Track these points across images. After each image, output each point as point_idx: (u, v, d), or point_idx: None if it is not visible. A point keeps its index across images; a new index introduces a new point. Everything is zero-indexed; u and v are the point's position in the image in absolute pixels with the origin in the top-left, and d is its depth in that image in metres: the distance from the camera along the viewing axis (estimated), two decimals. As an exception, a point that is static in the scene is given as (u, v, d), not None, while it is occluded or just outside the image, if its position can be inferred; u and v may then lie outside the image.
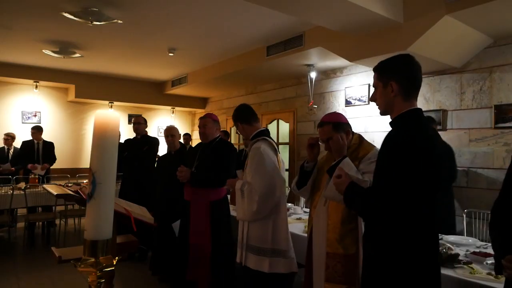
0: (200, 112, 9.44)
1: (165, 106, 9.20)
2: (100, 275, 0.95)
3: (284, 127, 7.04)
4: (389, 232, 1.55)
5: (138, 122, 4.95)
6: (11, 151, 6.27)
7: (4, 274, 4.14)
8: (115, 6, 4.06)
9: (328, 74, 6.08)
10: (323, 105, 6.12)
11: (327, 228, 2.16)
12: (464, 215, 3.56)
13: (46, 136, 6.45)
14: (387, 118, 1.68)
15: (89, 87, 7.74)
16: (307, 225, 2.50)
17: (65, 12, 4.08)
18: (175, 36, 5.13)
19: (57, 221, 5.85)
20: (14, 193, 5.07)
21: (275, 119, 7.21)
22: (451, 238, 2.82)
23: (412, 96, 1.60)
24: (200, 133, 3.33)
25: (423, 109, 1.70)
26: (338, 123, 2.19)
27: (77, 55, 5.77)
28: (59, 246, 3.62)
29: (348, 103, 5.70)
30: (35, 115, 7.64)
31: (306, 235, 2.55)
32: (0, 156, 6.14)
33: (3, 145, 6.26)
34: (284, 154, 6.73)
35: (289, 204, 4.26)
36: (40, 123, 7.41)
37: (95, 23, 4.21)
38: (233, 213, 3.15)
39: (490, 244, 2.66)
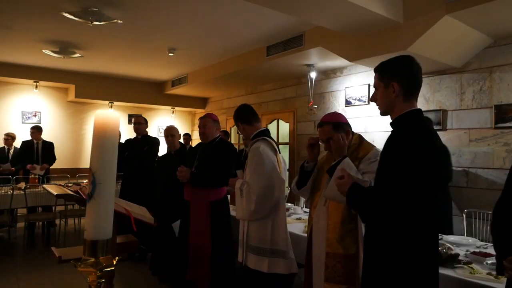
0: (200, 112, 9.44)
1: (165, 106, 9.20)
2: (100, 275, 0.95)
3: (284, 127, 7.04)
4: (389, 232, 1.55)
5: (139, 122, 4.95)
6: (11, 151, 6.27)
7: (4, 274, 4.14)
8: (115, 6, 4.06)
9: (328, 74, 6.08)
10: (323, 105, 6.12)
11: (327, 228, 2.16)
12: (464, 215, 3.56)
13: (46, 136, 6.45)
14: (387, 118, 1.68)
15: (89, 87, 7.74)
16: (307, 225, 2.50)
17: (65, 12, 4.08)
18: (175, 36, 5.13)
19: (57, 221, 5.85)
20: (14, 193, 5.07)
21: (275, 119, 7.21)
22: (451, 238, 2.82)
23: (413, 97, 1.61)
24: (200, 133, 3.33)
25: (423, 109, 1.71)
26: (338, 123, 2.19)
27: (77, 55, 5.77)
28: (59, 246, 3.63)
29: (348, 103, 5.70)
30: (35, 115, 7.64)
31: (306, 235, 2.55)
32: (0, 156, 6.14)
33: (3, 145, 6.27)
34: (284, 154, 6.72)
35: (289, 204, 4.27)
36: (40, 123, 7.41)
37: (95, 23, 4.21)
38: (233, 213, 3.15)
39: (490, 244, 2.67)
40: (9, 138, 6.26)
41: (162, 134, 5.13)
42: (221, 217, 3.20)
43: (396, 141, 1.57)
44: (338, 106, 5.86)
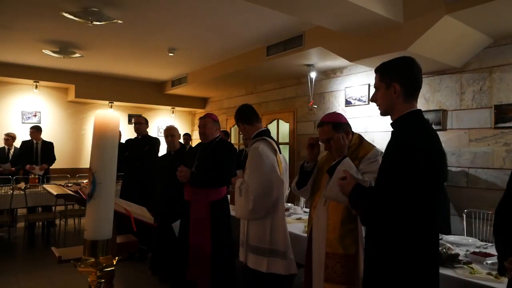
0: (200, 112, 9.44)
1: (165, 106, 9.20)
2: (100, 275, 0.95)
3: (284, 127, 7.04)
4: (390, 233, 1.56)
5: (139, 122, 4.94)
6: (12, 151, 6.27)
7: (4, 274, 4.14)
8: (115, 6, 4.06)
9: (328, 74, 6.08)
10: (323, 105, 6.12)
11: (327, 228, 2.16)
12: (464, 215, 3.56)
13: (46, 136, 6.45)
14: (387, 118, 1.70)
15: (89, 87, 7.74)
16: (307, 225, 2.50)
17: (65, 12, 4.08)
18: (175, 36, 5.13)
19: (57, 221, 5.85)
20: (14, 193, 5.07)
21: (275, 119, 7.21)
22: (451, 238, 2.82)
23: (413, 98, 1.62)
24: (200, 133, 3.33)
25: (423, 109, 1.72)
26: (338, 123, 2.19)
27: (77, 55, 5.77)
28: (59, 246, 3.63)
29: (348, 103, 5.70)
30: (35, 115, 7.64)
31: (306, 235, 2.55)
32: (1, 156, 6.14)
33: (4, 145, 6.27)
34: (284, 154, 6.72)
35: (289, 204, 4.27)
36: (40, 123, 7.41)
37: (95, 23, 4.21)
38: (233, 213, 3.15)
39: (490, 244, 2.67)
40: (9, 138, 6.26)
41: (162, 134, 5.14)
42: (221, 217, 3.20)
43: (397, 142, 1.58)
44: (338, 106, 5.86)
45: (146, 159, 4.76)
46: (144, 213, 1.97)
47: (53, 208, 5.41)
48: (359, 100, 5.52)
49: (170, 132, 4.09)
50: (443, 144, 1.60)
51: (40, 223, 5.98)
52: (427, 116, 4.44)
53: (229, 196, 3.63)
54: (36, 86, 7.48)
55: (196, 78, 7.31)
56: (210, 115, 3.37)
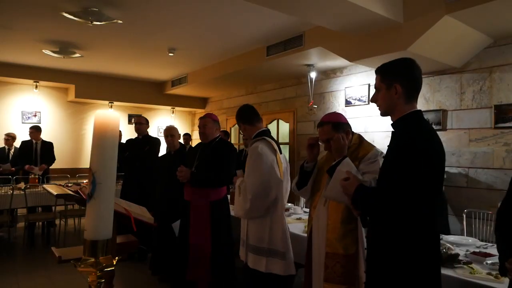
0: (200, 112, 9.44)
1: (165, 106, 9.20)
2: (100, 275, 0.95)
3: (284, 127, 7.04)
4: (392, 233, 1.56)
5: (140, 122, 4.94)
6: (12, 151, 6.27)
7: (4, 274, 4.14)
8: (115, 6, 4.06)
9: (328, 74, 6.08)
10: (323, 105, 6.12)
11: (327, 228, 2.16)
12: (464, 215, 3.56)
13: (46, 136, 6.45)
14: (387, 119, 1.71)
15: (89, 87, 7.74)
16: (307, 225, 2.50)
17: (65, 12, 4.08)
18: (175, 36, 5.13)
19: (57, 221, 5.85)
20: (14, 193, 5.07)
21: (275, 119, 7.21)
22: (451, 238, 2.82)
23: (413, 99, 1.64)
24: (200, 133, 3.33)
25: (423, 109, 1.73)
26: (338, 123, 2.19)
27: (77, 55, 5.77)
28: (59, 246, 3.63)
29: (348, 103, 5.70)
30: (35, 115, 7.64)
31: (306, 235, 2.55)
32: (1, 156, 6.14)
33: (4, 146, 6.27)
34: (284, 154, 6.73)
35: (289, 204, 4.26)
36: (40, 123, 7.41)
37: (95, 23, 4.21)
38: (233, 212, 3.15)
39: (490, 244, 2.67)
40: (10, 138, 6.26)
41: (162, 134, 5.14)
42: (221, 217, 3.20)
43: (398, 142, 1.59)
44: (338, 106, 5.86)
45: (147, 159, 4.76)
46: (144, 213, 1.97)
47: (53, 208, 5.41)
48: (359, 100, 5.52)
49: (170, 132, 4.09)
50: (443, 144, 1.61)
51: (40, 223, 5.98)
52: (427, 116, 4.45)
53: (229, 196, 3.63)
54: (36, 86, 7.48)
55: (196, 78, 7.31)
56: (210, 115, 3.37)
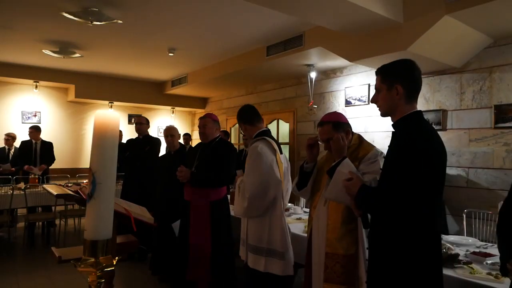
0: (200, 112, 9.43)
1: (165, 106, 9.20)
2: (100, 275, 0.95)
3: (284, 127, 7.04)
4: (393, 233, 1.57)
5: (140, 122, 4.94)
6: (12, 151, 6.26)
7: (4, 274, 4.15)
8: (115, 6, 4.06)
9: (328, 74, 6.08)
10: (323, 105, 6.12)
11: (327, 228, 2.16)
12: (464, 215, 3.56)
13: (46, 136, 6.45)
14: (387, 119, 1.72)
15: (89, 87, 7.73)
16: (307, 225, 2.50)
17: (65, 12, 4.08)
18: (175, 36, 5.13)
19: (57, 221, 5.85)
20: (14, 193, 5.07)
21: (275, 119, 7.21)
22: (451, 238, 2.82)
23: (414, 99, 1.65)
24: (200, 133, 3.33)
25: (423, 109, 1.75)
26: (338, 123, 2.19)
27: (77, 55, 5.77)
28: (59, 246, 3.63)
29: (348, 103, 5.70)
30: (35, 115, 7.64)
31: (306, 235, 2.56)
32: (1, 156, 6.14)
33: (4, 146, 6.26)
34: (284, 154, 6.73)
35: (289, 204, 4.26)
36: (40, 123, 7.41)
37: (95, 23, 4.21)
38: (233, 212, 3.16)
39: (490, 244, 2.67)
40: (10, 138, 6.25)
41: (162, 134, 5.14)
42: (221, 217, 3.20)
43: (398, 143, 1.60)
44: (338, 106, 5.86)
45: (147, 159, 4.76)
46: (144, 213, 1.97)
47: (53, 208, 5.41)
48: (359, 100, 5.52)
49: (170, 132, 4.09)
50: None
51: (40, 223, 5.98)
52: (427, 116, 4.45)
53: (229, 196, 3.63)
54: (36, 86, 7.48)
55: (196, 78, 7.31)
56: (210, 115, 3.37)
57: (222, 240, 3.15)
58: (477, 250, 2.49)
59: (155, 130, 9.26)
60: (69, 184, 5.53)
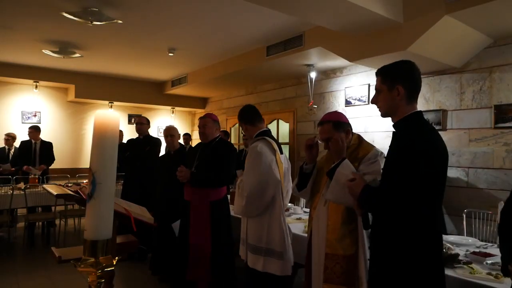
0: (200, 112, 9.43)
1: (165, 106, 9.20)
2: (100, 275, 0.95)
3: (284, 127, 7.04)
4: (393, 232, 1.57)
5: (141, 123, 4.94)
6: (12, 151, 6.26)
7: (4, 274, 4.14)
8: (115, 6, 4.06)
9: (328, 74, 6.08)
10: (323, 105, 6.12)
11: (327, 229, 2.16)
12: (464, 215, 3.56)
13: (46, 136, 6.44)
14: (387, 119, 1.73)
15: (89, 87, 7.73)
16: (307, 225, 2.50)
17: (65, 12, 4.08)
18: (175, 36, 5.13)
19: (57, 221, 5.85)
20: (14, 193, 5.07)
21: (275, 119, 7.21)
22: (451, 238, 2.82)
23: (414, 100, 1.66)
24: (200, 133, 3.33)
25: (423, 109, 1.75)
26: (338, 122, 2.18)
27: (77, 55, 5.77)
28: (59, 246, 3.63)
29: (348, 103, 5.70)
30: (35, 115, 7.64)
31: (306, 235, 2.55)
32: (1, 156, 6.14)
33: (4, 146, 6.26)
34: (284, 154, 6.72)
35: (289, 204, 4.26)
36: (40, 123, 7.41)
37: (95, 23, 4.21)
38: (232, 212, 3.16)
39: (490, 244, 2.67)
40: (10, 138, 6.25)
41: (162, 134, 5.14)
42: (221, 217, 3.20)
43: (399, 143, 1.61)
44: (338, 106, 5.86)
45: (147, 159, 4.76)
46: (144, 213, 1.97)
47: (53, 208, 5.41)
48: (359, 100, 5.52)
49: (170, 132, 4.09)
50: (443, 145, 1.62)
51: (40, 223, 5.98)
52: (427, 116, 4.44)
53: (229, 196, 3.63)
54: (36, 86, 7.48)
55: (196, 78, 7.31)
56: (210, 115, 3.37)
57: (222, 240, 3.15)
58: (477, 250, 2.49)
59: (155, 130, 9.26)
60: (69, 184, 5.53)
